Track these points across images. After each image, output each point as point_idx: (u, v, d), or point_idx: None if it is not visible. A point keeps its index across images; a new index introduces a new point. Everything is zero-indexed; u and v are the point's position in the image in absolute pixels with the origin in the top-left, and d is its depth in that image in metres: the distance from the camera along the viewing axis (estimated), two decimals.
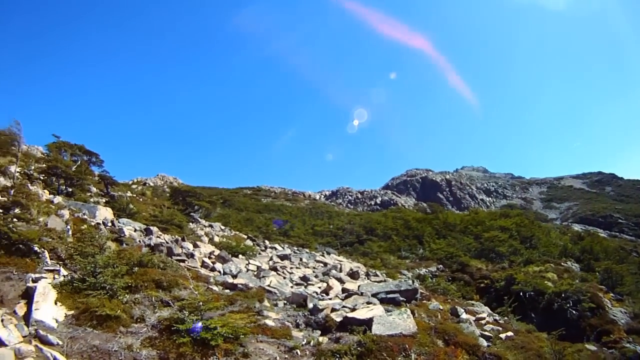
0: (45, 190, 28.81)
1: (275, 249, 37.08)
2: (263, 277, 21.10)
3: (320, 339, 11.30)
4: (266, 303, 15.50)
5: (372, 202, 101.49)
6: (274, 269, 25.48)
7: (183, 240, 27.17)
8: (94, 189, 40.41)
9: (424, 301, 17.22)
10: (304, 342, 11.02)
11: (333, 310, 13.41)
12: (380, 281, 23.03)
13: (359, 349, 10.10)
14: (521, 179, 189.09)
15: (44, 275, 15.38)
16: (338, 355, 9.84)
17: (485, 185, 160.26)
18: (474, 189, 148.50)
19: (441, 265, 40.71)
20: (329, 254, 39.11)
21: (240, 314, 12.26)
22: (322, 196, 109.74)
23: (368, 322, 11.55)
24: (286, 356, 10.34)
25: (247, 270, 23.33)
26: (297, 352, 10.42)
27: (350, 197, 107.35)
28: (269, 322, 12.88)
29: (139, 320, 13.07)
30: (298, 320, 13.36)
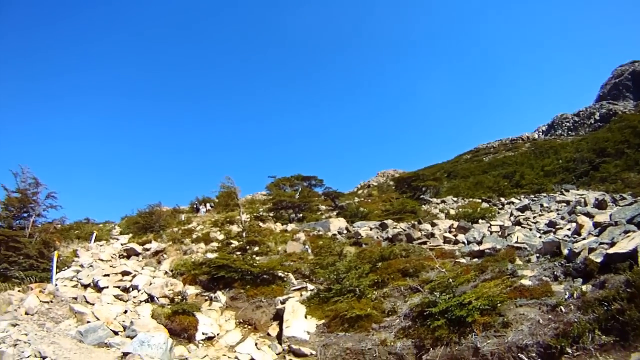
0: (278, 223, 30.66)
1: (513, 203, 35.58)
2: (508, 235, 20.07)
3: (584, 287, 10.06)
4: (518, 261, 14.53)
5: (591, 121, 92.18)
6: (517, 223, 24.26)
7: (419, 223, 27.00)
8: (323, 207, 42.30)
9: None
10: (566, 296, 9.83)
11: (590, 250, 12.09)
12: (630, 204, 20.70)
13: (627, 290, 8.84)
14: None
15: (291, 295, 16.10)
16: (606, 303, 8.64)
17: None
18: None
19: None
20: (567, 190, 36.43)
21: (493, 281, 11.45)
22: (540, 133, 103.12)
23: (632, 254, 10.17)
24: (549, 316, 9.28)
25: (491, 232, 22.46)
26: (560, 309, 9.32)
27: (567, 124, 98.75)
28: (525, 282, 11.92)
29: (390, 313, 12.91)
30: (555, 272, 12.21)
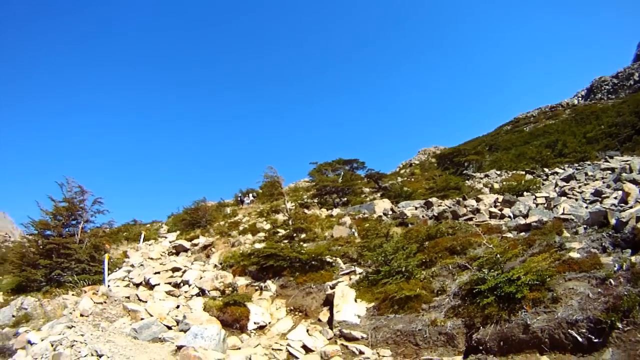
0: (323, 209, 30.90)
1: (557, 173, 34.94)
2: (554, 206, 19.82)
3: (633, 258, 9.80)
4: (566, 234, 14.29)
5: (631, 82, 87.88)
6: (563, 193, 23.91)
7: (464, 199, 26.82)
8: (366, 189, 42.29)
9: None
10: (615, 268, 9.65)
11: (638, 219, 11.77)
12: None
13: None
14: None
15: (340, 280, 16.31)
16: None
17: None
18: None
19: None
20: (611, 157, 35.34)
21: (541, 255, 11.33)
22: (579, 98, 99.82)
23: None
24: (599, 290, 9.15)
25: (536, 205, 22.16)
26: (610, 282, 9.16)
27: (606, 87, 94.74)
28: (574, 255, 11.72)
29: (439, 292, 12.98)
30: (604, 243, 11.99)
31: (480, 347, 10.04)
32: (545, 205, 21.32)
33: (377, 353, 11.57)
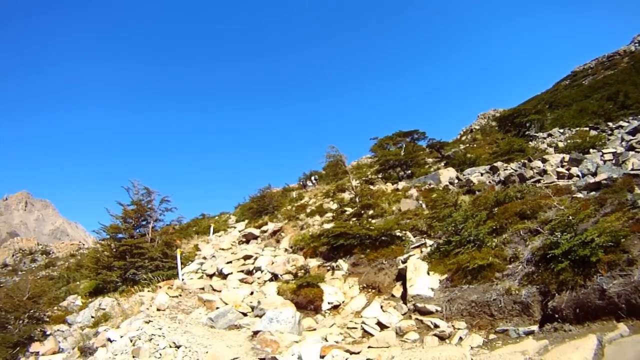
0: (388, 184, 30.87)
1: (622, 127, 33.79)
2: (623, 162, 19.25)
3: None
4: (637, 190, 13.82)
5: None
6: (630, 148, 23.03)
7: (530, 161, 26.34)
8: (429, 160, 41.89)
9: None
10: None
11: None
12: None
13: None
14: None
15: (411, 253, 16.33)
16: None
17: None
18: None
19: None
20: None
21: (614, 214, 11.06)
22: (636, 44, 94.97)
23: None
24: None
25: (604, 161, 21.59)
26: None
27: None
28: None
29: (512, 259, 12.78)
30: None
31: (556, 315, 9.87)
32: (614, 161, 20.80)
33: (452, 326, 11.55)
